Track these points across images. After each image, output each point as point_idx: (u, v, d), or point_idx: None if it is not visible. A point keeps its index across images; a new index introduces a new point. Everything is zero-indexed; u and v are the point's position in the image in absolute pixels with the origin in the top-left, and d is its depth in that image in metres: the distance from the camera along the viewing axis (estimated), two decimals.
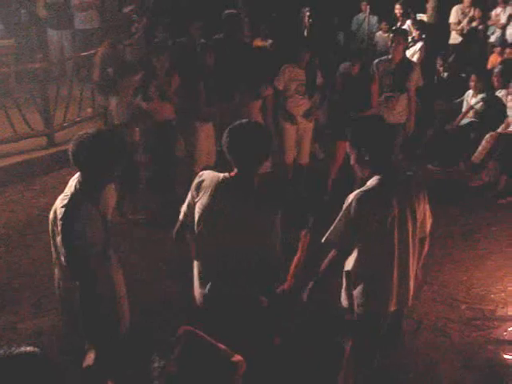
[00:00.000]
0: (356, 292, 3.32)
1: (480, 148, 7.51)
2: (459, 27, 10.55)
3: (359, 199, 3.15)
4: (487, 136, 7.45)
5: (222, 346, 2.61)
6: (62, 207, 3.09)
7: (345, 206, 3.21)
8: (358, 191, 3.22)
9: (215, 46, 6.76)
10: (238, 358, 2.59)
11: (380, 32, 10.65)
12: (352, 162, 3.39)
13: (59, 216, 3.08)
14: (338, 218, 3.23)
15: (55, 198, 3.27)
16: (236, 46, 7.03)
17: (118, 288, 3.42)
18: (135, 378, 3.41)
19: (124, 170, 6.03)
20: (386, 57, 7.07)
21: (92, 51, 8.45)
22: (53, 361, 1.84)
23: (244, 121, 3.20)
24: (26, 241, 5.89)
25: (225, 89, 6.52)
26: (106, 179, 3.21)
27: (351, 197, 3.20)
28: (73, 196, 3.13)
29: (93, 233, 3.12)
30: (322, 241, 3.28)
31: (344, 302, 3.39)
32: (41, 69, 7.95)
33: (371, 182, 3.24)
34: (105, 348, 3.38)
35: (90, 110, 8.59)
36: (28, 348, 1.80)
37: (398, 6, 10.73)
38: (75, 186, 3.15)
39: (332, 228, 3.25)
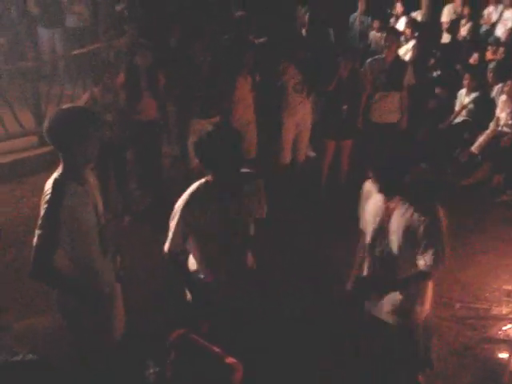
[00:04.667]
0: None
1: (481, 139, 7.52)
2: (449, 26, 10.56)
3: None
4: (489, 130, 7.47)
5: (217, 349, 2.59)
6: (47, 190, 3.00)
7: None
8: None
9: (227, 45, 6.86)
10: (232, 360, 2.57)
11: (373, 31, 10.63)
12: None
13: (45, 198, 2.98)
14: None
15: None
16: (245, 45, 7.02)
17: (111, 288, 3.38)
18: None
19: (115, 167, 6.18)
20: (378, 56, 7.08)
21: (84, 50, 8.42)
22: (55, 368, 1.81)
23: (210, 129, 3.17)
24: (18, 239, 5.84)
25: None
26: (84, 157, 3.07)
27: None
28: (56, 178, 3.05)
29: (84, 212, 3.05)
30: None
31: None
32: (32, 67, 7.90)
33: None
34: (95, 356, 3.33)
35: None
36: (30, 356, 1.77)
37: (399, 5, 10.73)
38: (57, 170, 3.09)
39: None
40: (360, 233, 3.56)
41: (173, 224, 3.27)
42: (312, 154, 7.72)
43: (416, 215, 3.11)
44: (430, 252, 3.15)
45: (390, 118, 6.90)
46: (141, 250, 5.65)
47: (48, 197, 2.97)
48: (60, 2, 10.02)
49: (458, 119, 8.10)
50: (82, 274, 3.16)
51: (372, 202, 3.33)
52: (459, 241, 6.01)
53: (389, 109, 6.89)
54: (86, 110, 3.13)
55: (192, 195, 3.24)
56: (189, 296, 3.48)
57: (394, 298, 3.33)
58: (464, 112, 8.06)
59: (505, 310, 4.85)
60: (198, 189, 3.25)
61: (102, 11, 9.02)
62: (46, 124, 3.02)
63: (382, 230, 3.24)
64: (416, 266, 3.19)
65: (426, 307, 3.43)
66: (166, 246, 3.35)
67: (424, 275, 3.24)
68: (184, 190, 3.30)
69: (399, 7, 10.72)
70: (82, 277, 3.15)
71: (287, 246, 5.72)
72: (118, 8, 9.63)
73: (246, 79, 6.58)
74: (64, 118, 3.00)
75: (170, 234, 3.31)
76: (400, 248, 3.20)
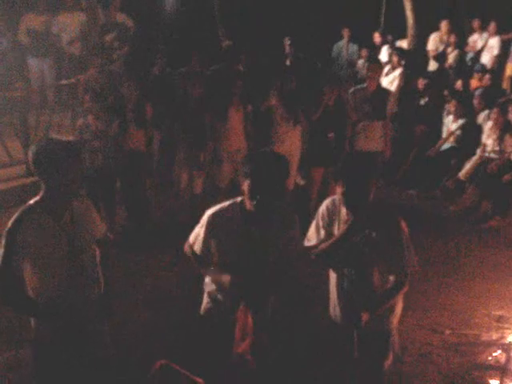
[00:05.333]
0: None
1: (468, 166, 7.58)
2: (436, 54, 10.70)
3: None
4: (476, 156, 7.53)
5: (199, 380, 2.56)
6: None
7: None
8: None
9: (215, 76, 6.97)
10: None
11: (362, 60, 10.75)
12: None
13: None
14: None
15: None
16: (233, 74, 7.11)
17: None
18: None
19: (103, 194, 6.21)
20: (361, 85, 7.19)
21: (72, 80, 8.45)
22: None
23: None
24: None
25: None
26: (63, 188, 3.08)
27: None
28: (23, 207, 3.08)
29: (45, 245, 3.04)
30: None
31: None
32: (21, 96, 7.90)
33: None
34: None
35: (69, 137, 8.52)
36: None
37: (376, 34, 10.88)
38: (34, 198, 3.11)
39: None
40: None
41: (201, 230, 3.37)
42: (301, 181, 7.74)
43: (381, 230, 3.30)
44: (401, 264, 3.33)
45: (374, 146, 6.98)
46: (126, 278, 5.60)
47: (8, 224, 3.02)
48: (50, 34, 10.10)
49: (446, 146, 8.16)
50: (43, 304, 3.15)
51: (339, 218, 3.43)
52: (448, 267, 6.03)
53: (373, 137, 6.97)
54: (66, 143, 3.14)
55: (219, 212, 3.33)
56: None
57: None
58: (451, 138, 8.13)
59: (495, 336, 4.82)
60: (228, 206, 3.34)
61: (92, 41, 9.05)
62: (28, 154, 3.07)
63: (351, 243, 3.35)
64: (387, 276, 3.37)
65: (398, 312, 3.57)
66: (196, 248, 3.41)
67: (400, 287, 3.38)
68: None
69: (377, 37, 10.87)
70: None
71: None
72: (107, 38, 9.70)
73: (238, 109, 6.65)
74: (43, 149, 3.03)
75: (199, 238, 3.38)
76: (370, 262, 3.35)
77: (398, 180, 8.16)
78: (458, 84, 9.15)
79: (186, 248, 3.51)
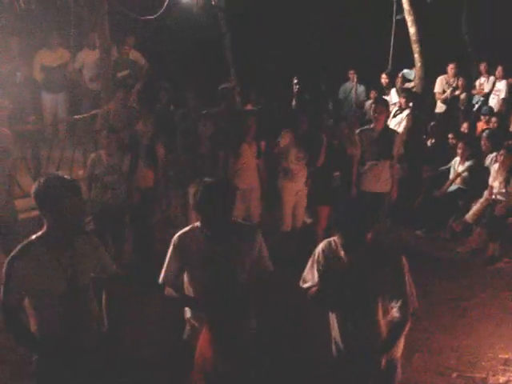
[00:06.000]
0: None
1: (475, 208, 7.60)
2: (443, 96, 10.83)
3: None
4: (483, 198, 7.56)
5: None
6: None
7: None
8: None
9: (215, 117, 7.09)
10: None
11: (370, 101, 10.88)
12: None
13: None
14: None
15: None
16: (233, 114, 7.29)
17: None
18: None
19: (112, 228, 6.27)
20: (368, 126, 7.26)
21: (85, 114, 8.60)
22: None
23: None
24: None
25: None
26: (63, 226, 3.14)
27: None
28: (25, 242, 3.14)
29: (42, 280, 3.07)
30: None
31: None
32: (34, 130, 8.03)
33: None
34: None
35: (81, 172, 8.63)
36: None
37: (384, 76, 11.02)
38: (37, 233, 3.16)
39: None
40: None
41: (168, 255, 3.56)
42: (308, 220, 7.80)
43: (383, 267, 3.36)
44: (404, 300, 3.37)
45: (380, 187, 7.01)
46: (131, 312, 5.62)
47: (8, 258, 3.09)
48: (67, 69, 10.31)
49: (453, 187, 8.21)
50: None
51: (335, 258, 3.47)
52: (455, 309, 6.01)
53: (379, 178, 7.00)
54: (65, 179, 3.19)
55: (184, 234, 3.54)
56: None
57: (371, 334, 3.46)
58: (458, 180, 8.18)
59: (501, 379, 4.79)
60: (190, 229, 3.54)
61: (105, 78, 9.22)
62: (34, 188, 3.13)
63: (349, 282, 3.39)
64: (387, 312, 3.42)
65: (401, 344, 3.59)
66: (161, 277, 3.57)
67: (405, 323, 3.40)
68: None
69: (384, 78, 11.00)
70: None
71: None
72: (120, 75, 9.89)
73: (251, 146, 6.75)
74: (43, 185, 3.09)
75: (166, 263, 3.57)
76: (374, 300, 3.39)
77: (405, 221, 8.18)
78: (465, 126, 9.25)
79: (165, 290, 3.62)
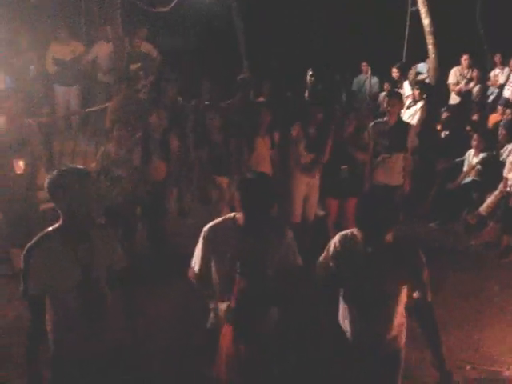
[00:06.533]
0: None
1: (489, 200, 7.54)
2: (457, 88, 10.74)
3: None
4: (497, 191, 7.50)
5: None
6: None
7: None
8: None
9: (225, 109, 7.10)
10: None
11: (383, 93, 10.82)
12: None
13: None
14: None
15: None
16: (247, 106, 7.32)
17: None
18: None
19: (123, 221, 6.29)
20: (381, 119, 7.22)
21: (97, 107, 8.62)
22: None
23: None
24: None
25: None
26: (77, 217, 3.15)
27: None
28: (45, 232, 3.15)
29: (57, 273, 3.08)
30: None
31: None
32: (46, 123, 8.06)
33: None
34: None
35: (93, 164, 8.65)
36: None
37: (394, 70, 10.94)
38: (53, 225, 3.18)
39: None
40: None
41: (198, 248, 3.57)
42: (321, 212, 7.77)
43: (401, 263, 3.34)
44: (424, 289, 3.39)
45: (393, 179, 6.97)
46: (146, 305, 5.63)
47: (24, 250, 3.11)
48: (81, 62, 10.32)
49: (467, 179, 8.15)
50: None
51: (353, 253, 3.43)
52: (469, 302, 5.97)
53: (392, 171, 6.96)
54: (77, 169, 3.21)
55: (215, 225, 3.54)
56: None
57: (383, 329, 3.47)
58: (472, 172, 8.12)
59: None
60: (222, 221, 3.55)
61: (118, 70, 9.22)
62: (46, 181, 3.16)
63: (368, 277, 3.36)
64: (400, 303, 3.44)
65: (404, 335, 3.61)
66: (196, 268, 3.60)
67: (431, 311, 3.46)
68: None
69: (395, 72, 10.91)
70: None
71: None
72: (133, 67, 9.88)
73: (264, 139, 6.74)
74: (55, 176, 3.11)
75: (197, 256, 3.59)
76: (389, 288, 3.38)
77: (418, 214, 8.13)
78: (475, 117, 9.17)
79: (190, 274, 3.66)
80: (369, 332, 3.45)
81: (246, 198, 3.39)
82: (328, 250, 3.55)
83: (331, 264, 3.51)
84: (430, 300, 3.41)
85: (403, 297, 3.46)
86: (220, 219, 3.58)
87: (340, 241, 3.50)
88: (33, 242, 3.11)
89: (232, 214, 3.54)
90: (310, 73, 10.38)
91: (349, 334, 3.54)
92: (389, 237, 3.34)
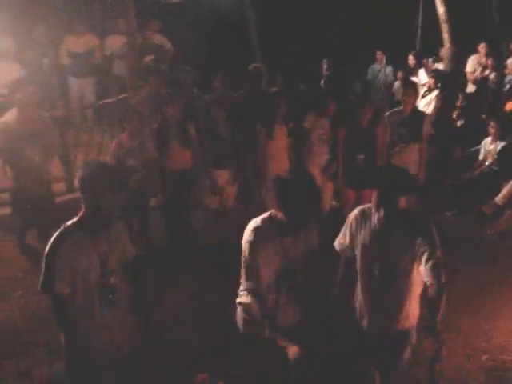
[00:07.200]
0: None
1: (505, 190, 7.47)
2: (473, 76, 10.64)
3: None
4: None
5: None
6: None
7: None
8: None
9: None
10: None
11: (398, 81, 10.74)
12: None
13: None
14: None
15: None
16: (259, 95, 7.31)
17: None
18: None
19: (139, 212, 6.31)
20: (397, 108, 7.18)
21: (111, 99, 8.64)
22: None
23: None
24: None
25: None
26: (104, 212, 3.20)
27: None
28: (66, 228, 3.18)
29: (82, 263, 3.12)
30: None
31: None
32: (61, 116, 8.10)
33: None
34: None
35: (108, 157, 8.69)
36: None
37: (410, 57, 10.84)
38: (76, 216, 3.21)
39: None
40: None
41: (246, 248, 3.59)
42: (334, 203, 7.74)
43: (414, 229, 3.39)
44: (436, 263, 3.35)
45: (411, 168, 6.90)
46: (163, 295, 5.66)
47: (47, 247, 3.15)
48: (90, 55, 10.33)
49: (483, 168, 8.07)
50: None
51: (367, 226, 3.51)
52: (484, 292, 5.93)
53: (408, 160, 6.91)
54: (112, 169, 3.28)
55: (257, 228, 3.56)
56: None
57: (394, 308, 3.52)
58: (490, 160, 8.04)
59: None
60: (261, 222, 3.59)
61: (131, 63, 9.23)
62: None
63: (382, 248, 3.42)
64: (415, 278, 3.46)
65: (417, 311, 3.64)
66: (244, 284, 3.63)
67: (443, 289, 3.40)
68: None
69: (411, 59, 10.81)
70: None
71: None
72: (146, 59, 9.88)
73: (281, 129, 6.76)
74: (87, 170, 3.20)
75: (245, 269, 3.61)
76: (401, 262, 3.41)
77: (433, 202, 8.07)
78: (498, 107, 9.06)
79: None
80: (380, 313, 3.51)
81: (283, 198, 3.44)
82: (347, 220, 3.64)
83: (348, 234, 3.60)
84: (443, 281, 3.38)
85: (416, 279, 3.45)
86: (259, 218, 3.60)
87: (358, 211, 3.60)
88: (56, 235, 3.14)
89: (267, 214, 3.59)
90: (326, 63, 10.35)
91: (361, 315, 3.60)
92: (402, 207, 3.41)
